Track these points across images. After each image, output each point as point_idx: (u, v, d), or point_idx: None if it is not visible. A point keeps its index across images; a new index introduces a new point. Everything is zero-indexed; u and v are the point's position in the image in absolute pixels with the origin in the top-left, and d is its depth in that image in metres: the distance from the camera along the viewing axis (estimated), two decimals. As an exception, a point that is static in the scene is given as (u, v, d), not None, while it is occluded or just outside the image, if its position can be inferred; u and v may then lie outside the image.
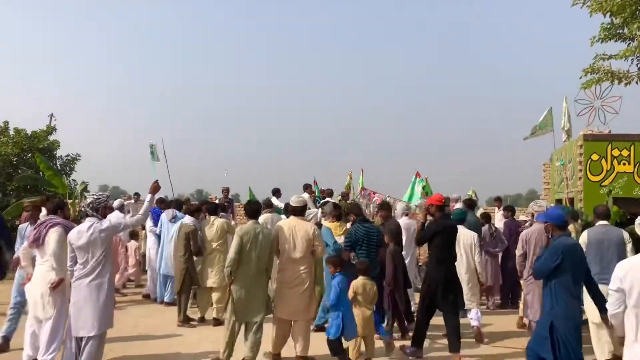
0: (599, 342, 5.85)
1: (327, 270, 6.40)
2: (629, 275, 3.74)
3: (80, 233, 5.01)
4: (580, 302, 4.80)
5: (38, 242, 5.42)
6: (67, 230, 5.47)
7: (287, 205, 7.69)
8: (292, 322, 5.93)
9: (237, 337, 5.72)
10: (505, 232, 9.27)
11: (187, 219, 7.96)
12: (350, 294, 5.86)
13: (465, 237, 7.02)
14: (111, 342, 6.27)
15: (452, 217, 7.33)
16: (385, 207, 7.75)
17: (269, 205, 9.34)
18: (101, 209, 5.22)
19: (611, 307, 3.88)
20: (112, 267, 5.19)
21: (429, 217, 6.47)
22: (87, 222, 5.09)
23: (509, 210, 9.94)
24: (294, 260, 5.83)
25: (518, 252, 6.72)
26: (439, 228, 6.13)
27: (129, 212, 11.68)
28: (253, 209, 6.04)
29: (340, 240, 7.03)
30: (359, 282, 5.91)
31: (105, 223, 5.10)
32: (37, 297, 5.35)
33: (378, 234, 6.81)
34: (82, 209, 5.21)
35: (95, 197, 5.27)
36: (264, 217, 8.44)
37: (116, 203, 10.17)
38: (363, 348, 5.86)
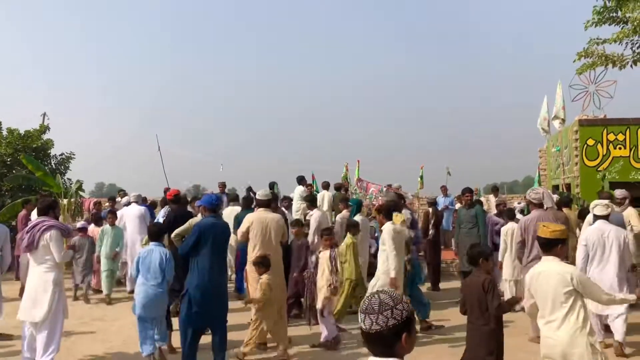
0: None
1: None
2: (591, 237, 5.90)
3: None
4: (224, 271, 5.65)
5: (32, 246, 5.27)
6: (62, 231, 5.40)
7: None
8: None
9: None
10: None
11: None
12: None
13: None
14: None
15: (350, 202, 8.83)
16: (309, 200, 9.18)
17: (234, 199, 10.09)
18: None
19: (579, 256, 5.95)
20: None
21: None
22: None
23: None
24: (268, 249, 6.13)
25: (516, 239, 6.70)
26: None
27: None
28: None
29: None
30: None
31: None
32: (34, 299, 5.26)
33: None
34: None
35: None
36: (229, 210, 9.17)
37: (124, 200, 11.00)
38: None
